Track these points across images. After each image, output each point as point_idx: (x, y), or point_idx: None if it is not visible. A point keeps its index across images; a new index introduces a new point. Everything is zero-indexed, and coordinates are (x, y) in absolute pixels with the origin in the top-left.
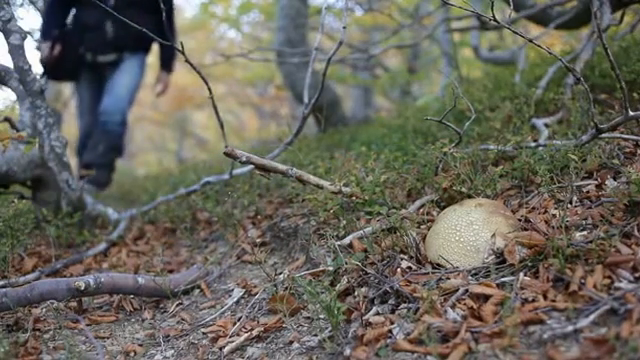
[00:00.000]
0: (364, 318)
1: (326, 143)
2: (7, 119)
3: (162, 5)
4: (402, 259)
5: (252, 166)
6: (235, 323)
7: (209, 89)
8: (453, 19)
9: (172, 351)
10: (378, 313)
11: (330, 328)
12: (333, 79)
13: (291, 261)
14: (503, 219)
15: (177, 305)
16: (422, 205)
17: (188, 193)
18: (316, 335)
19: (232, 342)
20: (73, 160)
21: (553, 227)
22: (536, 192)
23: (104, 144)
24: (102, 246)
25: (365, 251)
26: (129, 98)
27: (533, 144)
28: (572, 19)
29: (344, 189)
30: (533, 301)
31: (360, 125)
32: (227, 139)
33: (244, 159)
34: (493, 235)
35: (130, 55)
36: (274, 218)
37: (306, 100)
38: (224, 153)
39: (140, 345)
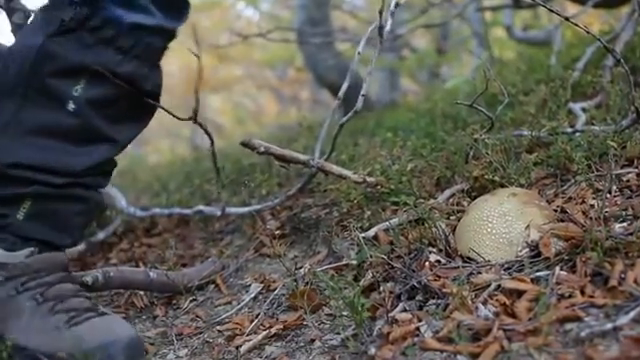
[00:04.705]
0: (390, 315)
1: (349, 129)
2: None
3: None
4: (430, 252)
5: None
6: (253, 320)
7: (211, 140)
8: None
9: (186, 350)
10: (405, 310)
11: (354, 326)
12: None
13: (312, 254)
14: (538, 210)
15: (191, 301)
16: (452, 195)
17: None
18: (339, 333)
19: (249, 341)
20: None
21: (591, 218)
22: (573, 181)
23: None
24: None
25: (391, 244)
26: None
27: (570, 130)
28: None
29: (368, 179)
30: (570, 297)
31: (386, 109)
32: (244, 125)
33: (262, 149)
34: (527, 227)
35: None
36: (294, 209)
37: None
38: (241, 143)
39: (152, 344)
